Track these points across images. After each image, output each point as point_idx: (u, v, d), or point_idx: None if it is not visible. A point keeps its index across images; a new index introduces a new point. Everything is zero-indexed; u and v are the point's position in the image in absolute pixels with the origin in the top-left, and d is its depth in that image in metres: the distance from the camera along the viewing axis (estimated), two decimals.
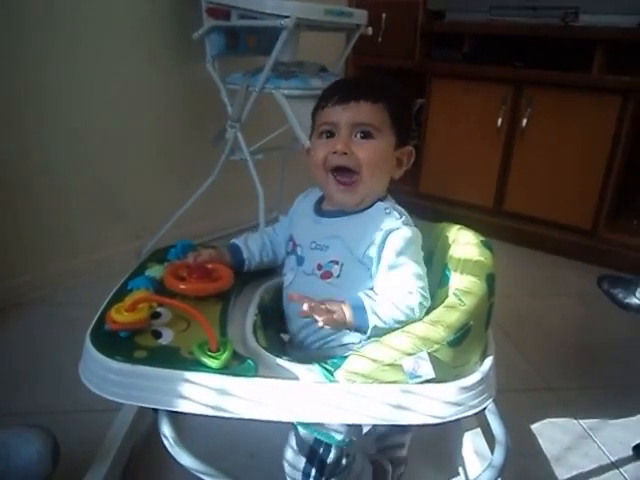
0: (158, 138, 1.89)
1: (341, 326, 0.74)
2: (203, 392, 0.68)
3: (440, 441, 1.04)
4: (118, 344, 0.71)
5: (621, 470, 1.10)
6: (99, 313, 0.78)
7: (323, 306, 0.72)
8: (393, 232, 0.77)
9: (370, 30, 1.82)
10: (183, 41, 1.78)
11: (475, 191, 2.35)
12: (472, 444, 1.01)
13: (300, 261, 0.84)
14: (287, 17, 1.48)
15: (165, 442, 0.71)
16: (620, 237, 2.07)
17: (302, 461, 0.76)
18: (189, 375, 0.68)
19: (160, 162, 1.92)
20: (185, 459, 0.70)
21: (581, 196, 2.10)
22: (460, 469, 1.02)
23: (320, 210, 0.87)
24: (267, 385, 0.69)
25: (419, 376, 0.68)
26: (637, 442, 1.14)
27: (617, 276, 1.85)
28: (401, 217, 0.79)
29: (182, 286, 0.82)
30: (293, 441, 0.77)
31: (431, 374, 0.68)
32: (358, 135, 0.79)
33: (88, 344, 0.72)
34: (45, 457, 0.82)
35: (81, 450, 0.93)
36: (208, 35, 1.68)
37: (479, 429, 1.02)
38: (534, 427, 1.20)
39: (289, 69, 1.68)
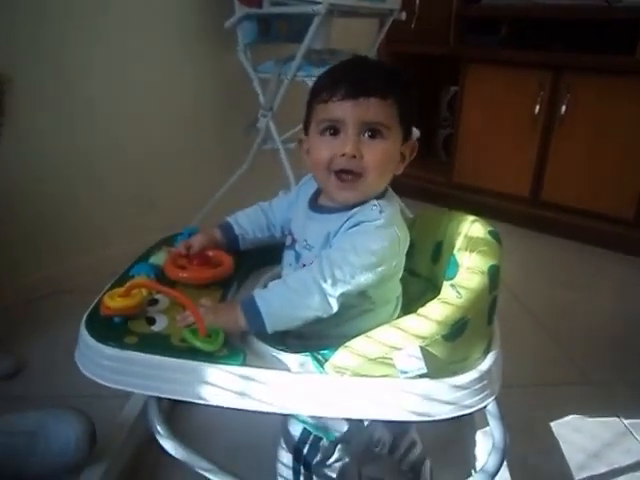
0: (190, 128, 1.90)
1: (231, 325, 0.71)
2: (189, 380, 0.67)
3: (455, 437, 1.01)
4: (111, 329, 0.71)
5: None
6: (97, 299, 0.77)
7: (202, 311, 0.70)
8: (362, 224, 0.73)
9: (404, 15, 1.79)
10: (215, 30, 1.78)
11: (511, 181, 2.29)
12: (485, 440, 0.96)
13: (297, 258, 0.82)
14: (319, 3, 1.47)
15: (153, 429, 0.71)
16: None
17: (290, 456, 0.76)
18: (176, 362, 0.67)
19: (192, 152, 1.92)
20: (170, 447, 0.70)
21: (624, 185, 2.02)
22: (473, 463, 0.98)
23: (315, 204, 0.83)
24: (253, 374, 0.67)
25: (410, 371, 0.65)
26: None
27: None
28: (381, 213, 0.74)
29: (182, 274, 0.83)
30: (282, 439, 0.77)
31: (423, 369, 0.65)
32: (366, 134, 0.74)
33: (82, 329, 0.72)
34: (83, 440, 0.83)
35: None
36: (240, 23, 1.68)
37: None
38: (572, 422, 1.17)
39: (321, 57, 1.67)
